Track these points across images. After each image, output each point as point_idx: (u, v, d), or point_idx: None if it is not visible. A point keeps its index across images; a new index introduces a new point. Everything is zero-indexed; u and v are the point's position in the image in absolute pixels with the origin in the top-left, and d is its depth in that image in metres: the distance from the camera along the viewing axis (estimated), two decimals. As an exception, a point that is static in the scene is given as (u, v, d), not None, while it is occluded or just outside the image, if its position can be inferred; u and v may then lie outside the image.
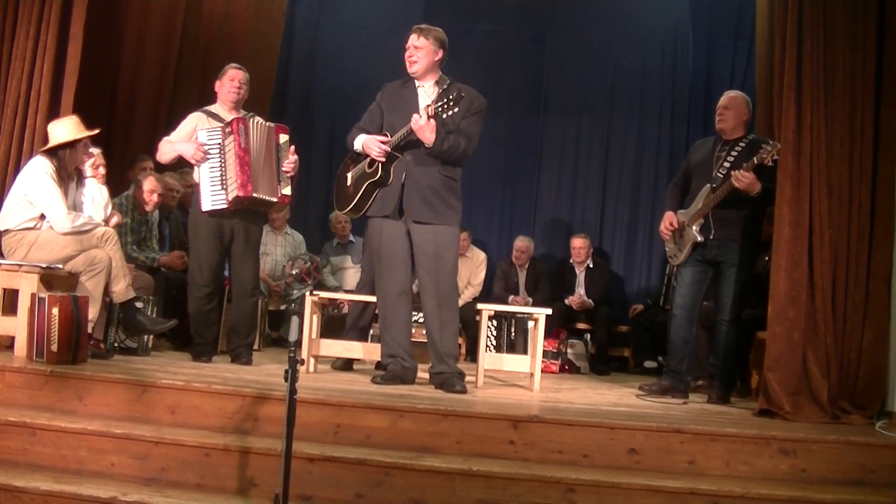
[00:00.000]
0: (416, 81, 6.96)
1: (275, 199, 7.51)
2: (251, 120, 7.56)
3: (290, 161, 7.56)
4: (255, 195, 7.35)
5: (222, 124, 7.50)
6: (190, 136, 7.57)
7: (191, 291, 7.64)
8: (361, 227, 7.47)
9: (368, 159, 6.88)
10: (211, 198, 7.43)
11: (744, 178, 6.94)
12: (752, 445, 5.43)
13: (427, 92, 6.87)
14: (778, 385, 6.39)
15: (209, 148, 7.44)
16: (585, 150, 12.16)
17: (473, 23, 11.91)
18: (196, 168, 7.52)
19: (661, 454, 5.41)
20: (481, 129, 6.98)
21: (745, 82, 10.82)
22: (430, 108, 6.57)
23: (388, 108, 7.00)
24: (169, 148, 7.63)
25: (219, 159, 7.41)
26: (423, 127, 6.55)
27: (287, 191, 7.59)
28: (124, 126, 9.42)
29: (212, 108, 7.76)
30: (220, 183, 7.40)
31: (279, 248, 10.53)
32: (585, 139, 12.18)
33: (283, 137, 7.62)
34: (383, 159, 6.78)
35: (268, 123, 7.62)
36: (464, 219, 7.04)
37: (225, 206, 7.39)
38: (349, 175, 7.08)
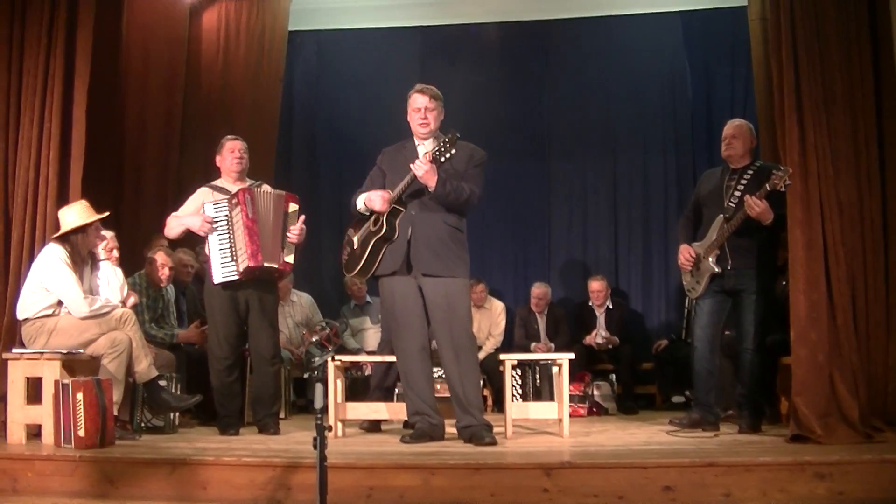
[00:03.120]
0: (415, 141, 7.00)
1: (276, 266, 7.49)
2: (258, 189, 7.60)
3: (295, 229, 7.56)
4: (265, 265, 7.37)
5: (228, 196, 7.53)
6: (197, 210, 7.60)
7: (212, 364, 7.63)
8: (378, 286, 7.46)
9: (373, 217, 6.89)
10: (222, 270, 7.45)
11: (756, 206, 6.93)
12: (787, 472, 5.39)
13: (427, 150, 6.85)
14: (807, 409, 6.35)
15: (217, 220, 7.46)
16: (593, 190, 12.17)
17: (469, 73, 11.92)
18: (206, 241, 7.55)
19: (697, 489, 5.37)
20: (484, 182, 7.00)
21: (746, 107, 10.84)
22: (428, 154, 6.60)
23: (389, 169, 7.02)
24: (176, 223, 7.65)
25: (227, 231, 7.44)
26: (427, 171, 6.57)
27: (290, 259, 7.57)
28: (133, 206, 9.49)
29: (217, 182, 7.80)
30: (229, 255, 7.42)
31: (289, 319, 10.43)
32: (592, 179, 12.19)
33: (293, 206, 7.61)
34: (386, 208, 6.80)
35: (277, 192, 7.65)
36: (479, 270, 7.06)
37: (236, 277, 7.41)
38: (355, 238, 7.08)
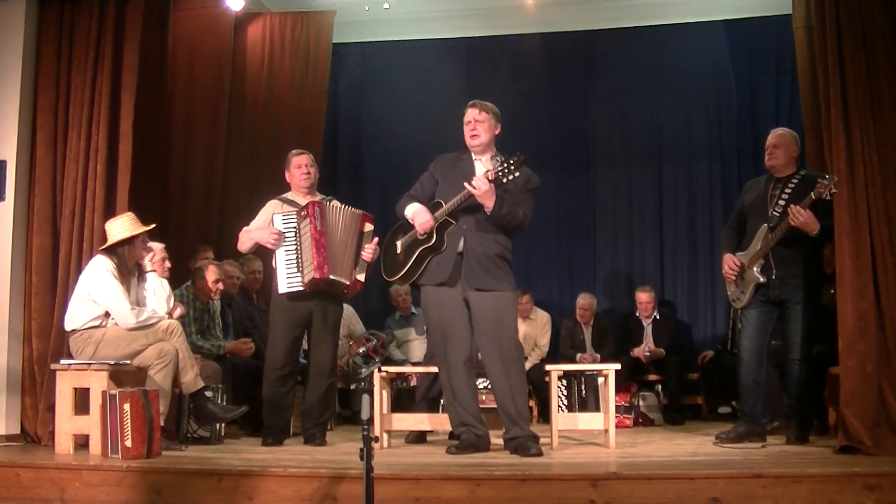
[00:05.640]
0: (472, 154, 6.98)
1: (347, 282, 7.50)
2: (328, 203, 7.63)
3: (370, 247, 7.60)
4: (331, 277, 7.39)
5: (297, 208, 7.57)
6: (266, 223, 7.65)
7: (267, 375, 7.62)
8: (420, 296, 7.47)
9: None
10: (287, 280, 7.47)
11: (800, 216, 6.88)
12: (836, 484, 5.33)
13: (485, 166, 6.83)
14: (856, 420, 6.29)
15: (285, 232, 7.50)
16: (638, 200, 12.13)
17: (514, 84, 11.94)
18: (273, 252, 7.58)
19: (744, 500, 5.31)
20: (534, 206, 7.00)
21: (792, 116, 10.77)
22: (490, 174, 6.58)
23: (442, 178, 7.01)
24: (246, 237, 7.72)
25: (295, 243, 7.46)
26: (486, 191, 6.56)
27: (361, 277, 7.61)
28: (179, 218, 9.55)
29: (287, 195, 7.84)
30: (296, 266, 7.44)
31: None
32: (637, 189, 12.15)
33: (369, 227, 7.66)
34: (423, 235, 6.80)
35: (355, 210, 7.66)
36: (524, 281, 7.04)
37: (301, 288, 7.42)
38: (398, 243, 7.06)
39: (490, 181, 6.56)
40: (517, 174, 6.56)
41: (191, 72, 9.86)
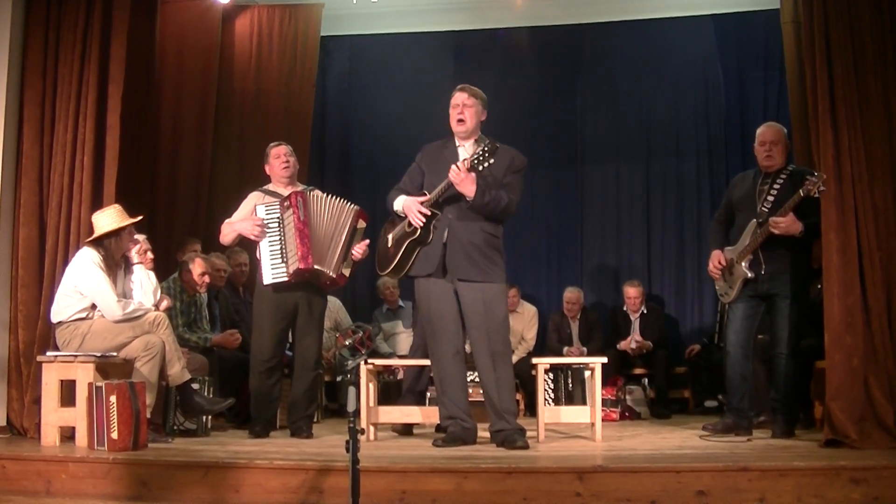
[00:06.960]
0: (456, 141, 6.96)
1: (333, 275, 7.49)
2: (310, 193, 7.61)
3: (360, 246, 7.61)
4: (315, 267, 7.37)
5: (280, 199, 7.55)
6: (249, 215, 7.63)
7: (253, 367, 7.62)
8: (410, 291, 7.46)
9: (408, 219, 6.88)
10: (272, 271, 7.44)
11: (780, 224, 6.91)
12: (822, 477, 5.35)
13: (468, 151, 6.82)
14: (842, 413, 6.31)
15: (268, 223, 7.48)
16: (626, 195, 12.12)
17: (503, 78, 11.91)
18: (258, 244, 7.56)
19: (731, 494, 5.34)
20: (522, 188, 6.98)
21: (780, 111, 10.76)
22: (466, 162, 6.56)
23: (428, 168, 7.00)
24: (229, 229, 7.69)
25: (278, 233, 7.44)
26: (464, 179, 6.55)
27: (346, 272, 7.61)
28: (167, 210, 9.52)
29: (268, 186, 7.81)
30: (280, 256, 7.42)
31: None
32: (625, 184, 12.13)
33: (362, 224, 7.66)
34: (421, 224, 6.78)
35: (348, 203, 7.64)
36: (511, 274, 7.02)
37: (286, 278, 7.40)
38: (390, 236, 7.06)
39: (467, 169, 6.55)
40: (492, 161, 6.53)
41: (179, 64, 9.83)
